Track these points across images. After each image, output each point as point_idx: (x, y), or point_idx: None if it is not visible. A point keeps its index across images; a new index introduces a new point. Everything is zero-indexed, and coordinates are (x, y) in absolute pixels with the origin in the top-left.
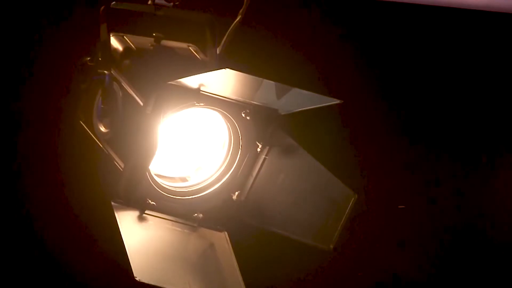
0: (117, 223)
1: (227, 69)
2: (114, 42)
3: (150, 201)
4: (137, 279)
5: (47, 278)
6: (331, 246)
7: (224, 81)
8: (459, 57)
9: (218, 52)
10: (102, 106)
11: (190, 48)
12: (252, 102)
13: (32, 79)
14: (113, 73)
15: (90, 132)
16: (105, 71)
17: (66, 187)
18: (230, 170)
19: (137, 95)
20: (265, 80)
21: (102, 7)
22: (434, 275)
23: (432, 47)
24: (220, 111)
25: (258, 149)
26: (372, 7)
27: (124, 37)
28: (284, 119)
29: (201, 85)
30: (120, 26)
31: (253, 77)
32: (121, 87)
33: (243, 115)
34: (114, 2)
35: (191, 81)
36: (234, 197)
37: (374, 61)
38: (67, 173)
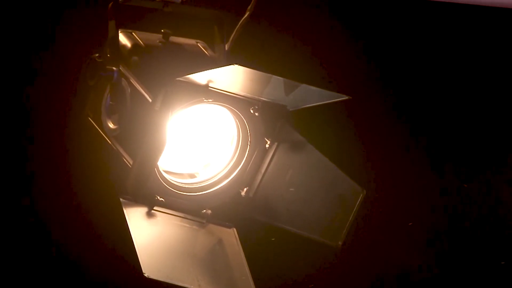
0: (125, 220)
1: (235, 65)
2: (123, 39)
3: (158, 197)
4: (145, 275)
5: (54, 275)
6: (340, 243)
7: (233, 77)
8: (466, 53)
9: (226, 48)
10: (110, 102)
11: (198, 44)
12: (261, 98)
13: (40, 75)
14: (122, 70)
15: (98, 129)
16: (114, 68)
17: (74, 184)
18: (238, 166)
19: (145, 92)
20: (274, 76)
21: (111, 4)
22: (441, 271)
23: (440, 43)
24: (228, 107)
25: (267, 145)
26: (381, 3)
27: (133, 33)
28: (293, 115)
29: (209, 81)
30: (129, 22)
31: (262, 73)
32: (130, 84)
33: (252, 111)
34: None
35: (199, 77)
36: (243, 193)
37: (383, 58)
38: (76, 170)
